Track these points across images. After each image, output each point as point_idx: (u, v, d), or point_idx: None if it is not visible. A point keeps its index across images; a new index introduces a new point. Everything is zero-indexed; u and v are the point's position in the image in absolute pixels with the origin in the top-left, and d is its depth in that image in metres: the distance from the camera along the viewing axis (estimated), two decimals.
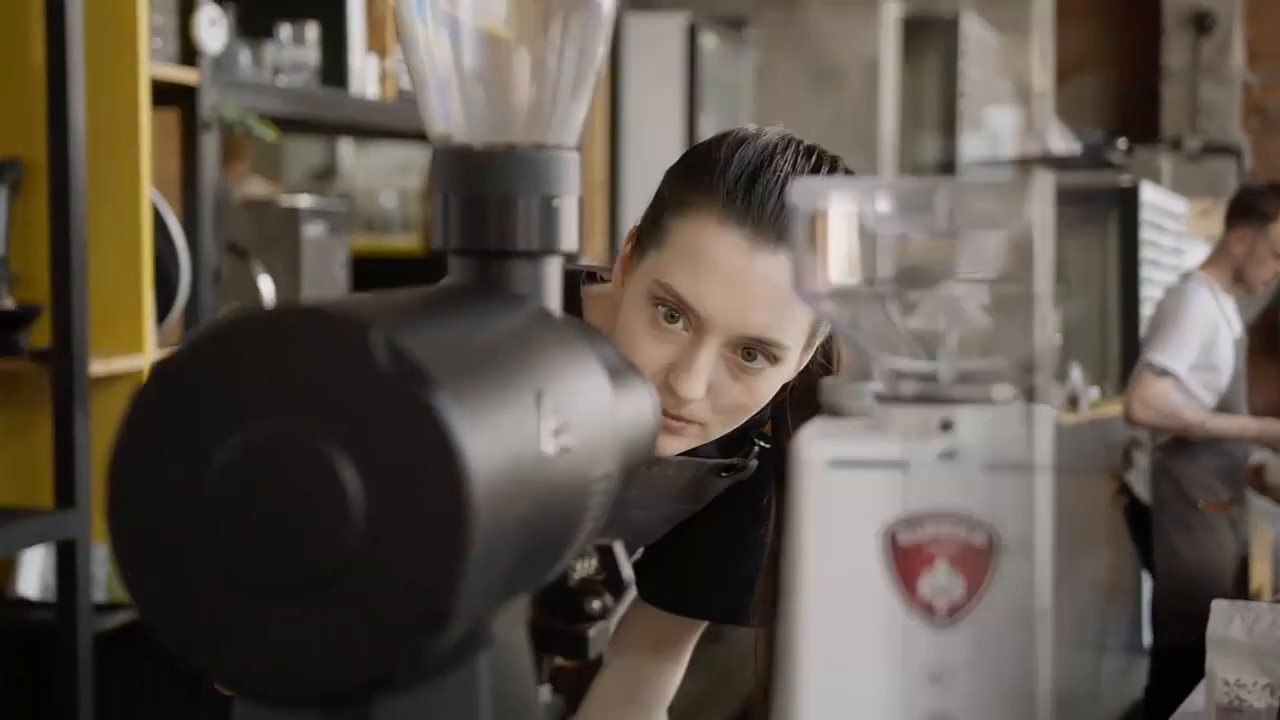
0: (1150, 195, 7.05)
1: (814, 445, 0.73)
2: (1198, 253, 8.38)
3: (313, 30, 3.29)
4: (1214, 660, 1.98)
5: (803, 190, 0.74)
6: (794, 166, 1.30)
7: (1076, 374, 6.26)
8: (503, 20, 0.85)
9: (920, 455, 0.72)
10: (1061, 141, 6.41)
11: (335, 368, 0.65)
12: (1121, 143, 6.94)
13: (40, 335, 2.58)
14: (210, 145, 2.88)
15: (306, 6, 3.31)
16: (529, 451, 0.70)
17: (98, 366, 2.59)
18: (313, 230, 3.29)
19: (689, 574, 1.50)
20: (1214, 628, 1.98)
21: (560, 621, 0.89)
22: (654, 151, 5.77)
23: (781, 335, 1.29)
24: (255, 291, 3.11)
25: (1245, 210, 4.40)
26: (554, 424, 0.74)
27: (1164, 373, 4.29)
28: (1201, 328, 4.33)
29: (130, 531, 0.66)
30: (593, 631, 0.88)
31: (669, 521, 1.49)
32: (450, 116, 0.84)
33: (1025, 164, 5.93)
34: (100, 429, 2.55)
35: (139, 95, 2.66)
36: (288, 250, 3.31)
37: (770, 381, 1.32)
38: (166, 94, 2.83)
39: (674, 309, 1.29)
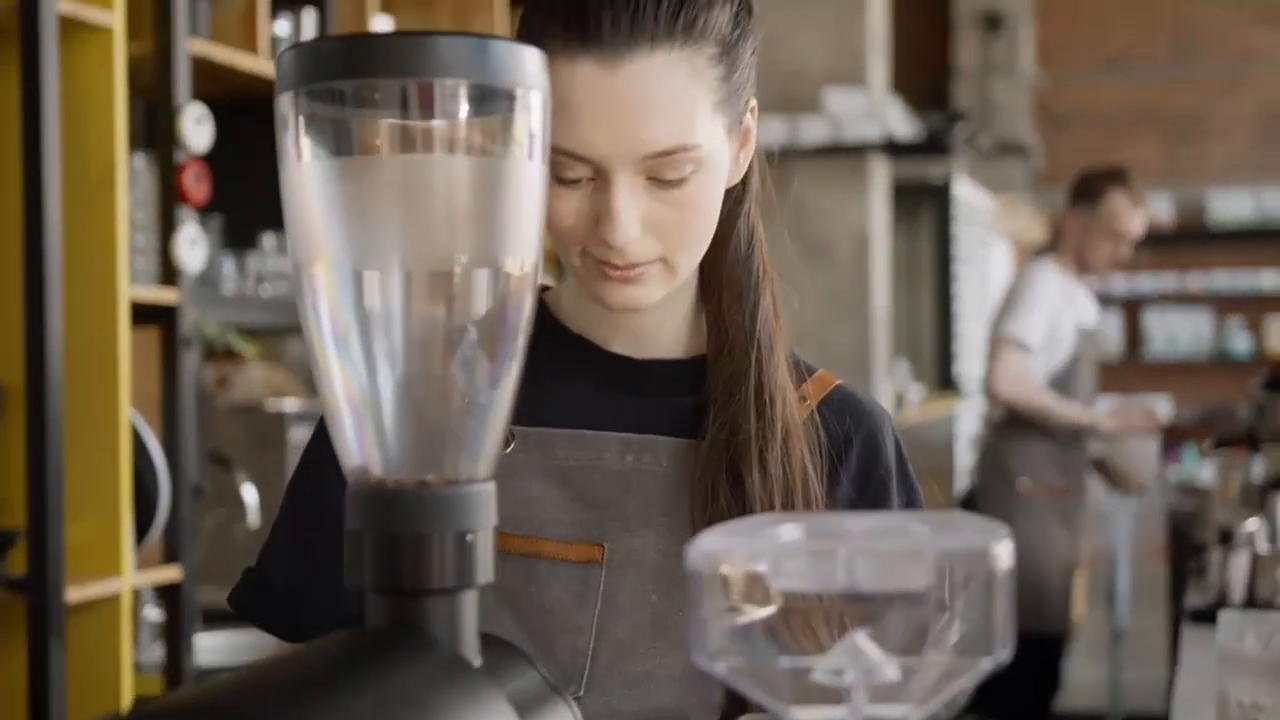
0: (961, 191, 7.11)
1: None
2: (1001, 248, 8.52)
3: None
4: (1225, 680, 1.80)
5: (701, 550, 0.74)
6: None
7: (903, 369, 6.20)
8: (415, 348, 0.85)
9: None
10: (903, 124, 6.41)
11: None
12: (962, 128, 6.96)
13: (16, 562, 2.57)
14: (190, 362, 2.89)
15: None
16: None
17: (75, 594, 2.57)
18: (300, 435, 3.29)
19: None
20: (1223, 642, 1.82)
21: None
22: None
23: (684, 136, 1.18)
24: (238, 502, 3.11)
25: (1077, 193, 4.50)
26: None
27: (1021, 345, 4.33)
28: (1049, 305, 4.37)
29: None
30: None
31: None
32: (365, 450, 0.84)
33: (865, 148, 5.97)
34: (77, 659, 2.53)
35: (119, 318, 2.67)
36: (275, 456, 3.31)
37: (706, 185, 1.21)
38: (147, 313, 2.85)
39: (565, 168, 1.18)
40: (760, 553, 0.74)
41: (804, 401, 1.32)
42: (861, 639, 0.75)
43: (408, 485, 0.83)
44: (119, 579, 2.68)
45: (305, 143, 0.82)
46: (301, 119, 0.82)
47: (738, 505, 1.25)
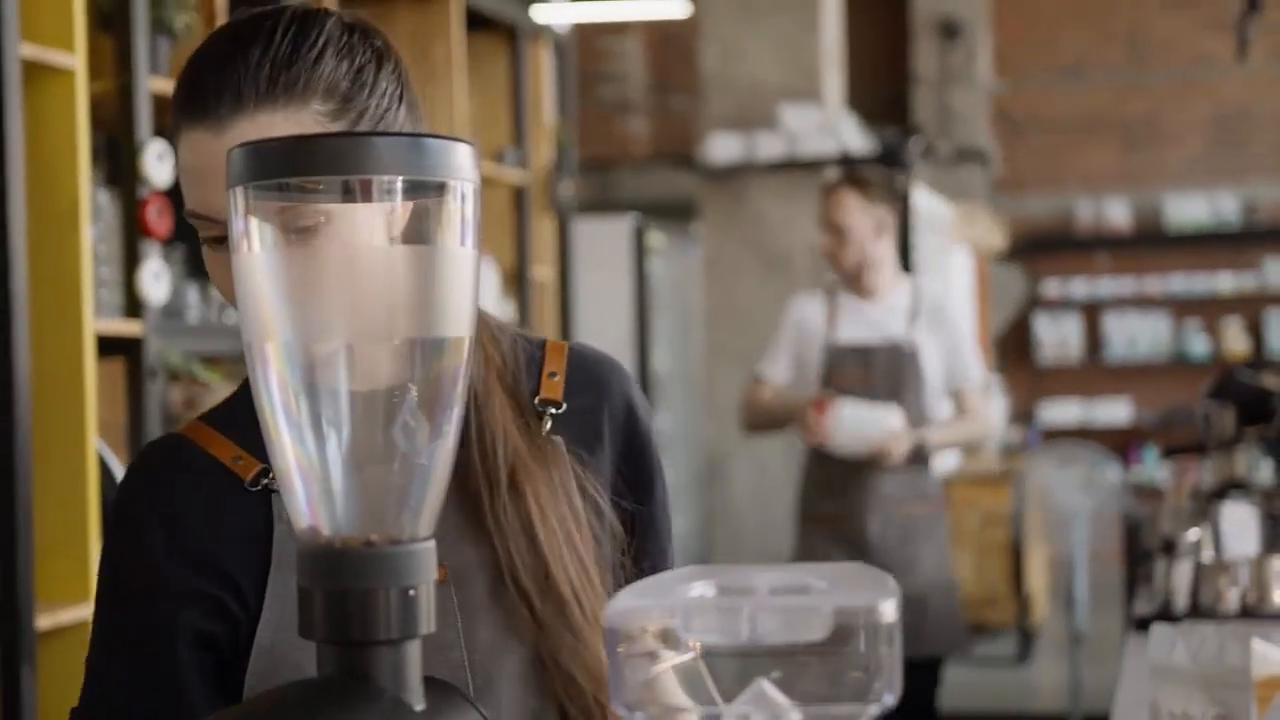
0: (920, 200, 7.20)
1: None
2: (961, 256, 8.63)
3: None
4: (1157, 690, 1.86)
5: (617, 609, 0.82)
6: (235, 33, 1.26)
7: None
8: (359, 417, 0.92)
9: None
10: (858, 139, 6.41)
11: None
12: (916, 143, 7.02)
13: None
14: (155, 392, 2.96)
15: None
16: None
17: (45, 621, 2.64)
18: None
19: None
20: (1154, 654, 1.87)
21: None
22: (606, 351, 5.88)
23: None
24: None
25: None
26: None
27: (757, 378, 4.28)
28: (789, 337, 4.29)
29: None
30: None
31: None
32: (314, 512, 0.91)
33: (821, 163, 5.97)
34: (48, 685, 2.59)
35: (84, 351, 2.73)
36: None
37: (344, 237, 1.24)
38: (112, 345, 2.91)
39: (203, 229, 1.25)
40: (671, 609, 0.82)
41: (554, 378, 1.38)
42: (767, 686, 0.82)
43: (354, 544, 0.90)
44: (89, 605, 2.74)
45: (254, 233, 0.90)
46: (250, 212, 0.89)
47: (507, 535, 1.31)
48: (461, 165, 0.90)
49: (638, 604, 0.82)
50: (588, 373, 1.41)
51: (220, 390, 3.70)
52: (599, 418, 1.39)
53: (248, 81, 1.23)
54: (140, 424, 2.92)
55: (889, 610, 0.80)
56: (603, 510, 1.37)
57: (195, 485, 1.30)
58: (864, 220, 4.17)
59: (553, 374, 1.39)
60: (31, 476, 2.63)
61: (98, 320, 2.82)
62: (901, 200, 4.27)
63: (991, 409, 4.21)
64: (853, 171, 4.45)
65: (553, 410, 1.37)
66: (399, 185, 0.89)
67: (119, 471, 2.85)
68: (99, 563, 1.32)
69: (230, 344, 3.27)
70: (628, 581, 1.35)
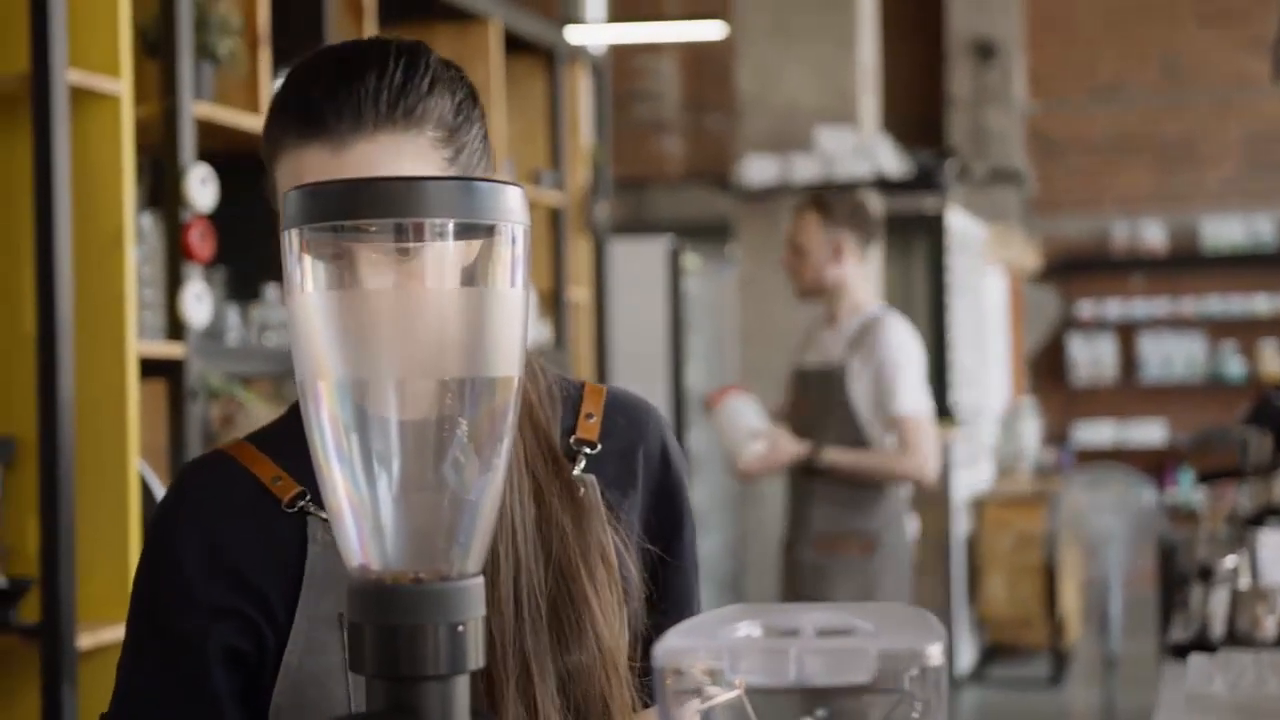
0: (954, 221, 7.21)
1: None
2: (995, 276, 8.62)
3: None
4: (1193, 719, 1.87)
5: (666, 648, 0.83)
6: (343, 57, 1.28)
7: None
8: (409, 456, 0.94)
9: None
10: (893, 161, 6.45)
11: None
12: (951, 164, 7.02)
13: (29, 610, 2.65)
14: (196, 413, 2.98)
15: None
16: None
17: (86, 640, 2.66)
18: None
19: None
20: (1192, 685, 1.88)
21: None
22: (641, 374, 5.90)
23: None
24: None
25: None
26: None
27: None
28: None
29: None
30: None
31: None
32: (365, 549, 0.92)
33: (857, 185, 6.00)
34: (89, 703, 2.61)
35: (127, 372, 2.76)
36: None
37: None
38: (154, 366, 2.94)
39: None
40: (718, 650, 0.83)
41: (590, 419, 1.39)
42: None
43: (404, 580, 0.91)
44: None
45: (308, 275, 0.91)
46: (305, 254, 0.91)
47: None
48: (512, 208, 0.92)
49: (685, 644, 0.83)
50: (625, 416, 1.42)
51: (256, 410, 3.73)
52: (634, 460, 1.41)
53: (368, 103, 1.25)
54: (181, 445, 2.95)
55: (935, 653, 0.81)
56: (627, 554, 1.37)
57: (233, 502, 1.32)
58: (820, 242, 4.18)
59: (590, 415, 1.40)
60: (74, 496, 2.66)
61: (140, 342, 2.85)
62: (870, 229, 4.20)
63: (930, 446, 4.04)
64: (818, 194, 4.49)
65: (587, 450, 1.38)
66: (450, 227, 0.91)
67: (160, 492, 2.87)
68: (134, 575, 1.34)
69: (269, 365, 3.30)
70: (651, 623, 1.36)
